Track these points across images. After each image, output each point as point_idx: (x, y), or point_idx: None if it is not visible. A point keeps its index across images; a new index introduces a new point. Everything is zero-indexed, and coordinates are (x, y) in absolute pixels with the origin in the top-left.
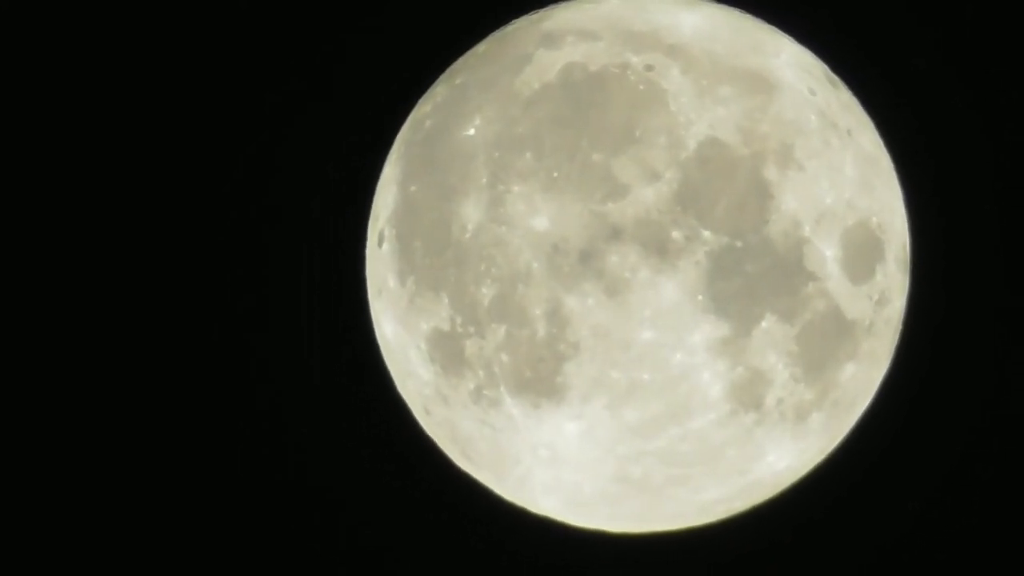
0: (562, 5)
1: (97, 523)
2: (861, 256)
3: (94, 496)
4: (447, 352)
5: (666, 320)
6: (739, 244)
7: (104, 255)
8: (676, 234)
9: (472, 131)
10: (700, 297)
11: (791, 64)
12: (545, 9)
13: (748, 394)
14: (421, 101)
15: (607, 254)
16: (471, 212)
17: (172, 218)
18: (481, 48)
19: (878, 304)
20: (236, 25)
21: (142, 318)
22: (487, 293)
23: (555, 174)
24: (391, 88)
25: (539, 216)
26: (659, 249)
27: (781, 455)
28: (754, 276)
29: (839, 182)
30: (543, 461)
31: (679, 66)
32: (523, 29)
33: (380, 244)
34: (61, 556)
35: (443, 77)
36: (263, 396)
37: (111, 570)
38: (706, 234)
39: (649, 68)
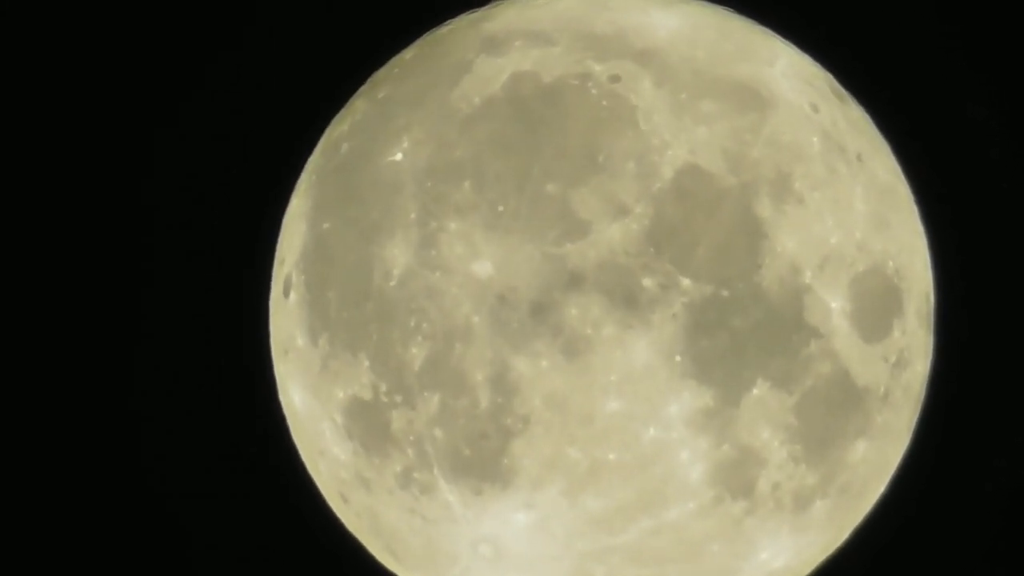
0: (508, 1)
1: None
2: (875, 309)
3: None
4: (369, 426)
5: (636, 387)
6: (725, 293)
7: None
8: (648, 282)
9: (399, 156)
10: (678, 358)
11: (789, 74)
12: (487, 7)
13: (736, 477)
14: (336, 119)
15: (564, 306)
16: (397, 255)
17: (41, 261)
18: (409, 54)
19: (895, 367)
20: (116, 36)
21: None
22: (417, 354)
23: (500, 208)
24: (299, 104)
25: (481, 260)
26: (628, 300)
27: (777, 552)
28: (743, 333)
29: (847, 219)
30: (485, 560)
31: (652, 77)
32: (460, 31)
33: (286, 294)
34: None
35: (363, 90)
36: (148, 477)
37: None
38: (685, 282)
39: (615, 79)
